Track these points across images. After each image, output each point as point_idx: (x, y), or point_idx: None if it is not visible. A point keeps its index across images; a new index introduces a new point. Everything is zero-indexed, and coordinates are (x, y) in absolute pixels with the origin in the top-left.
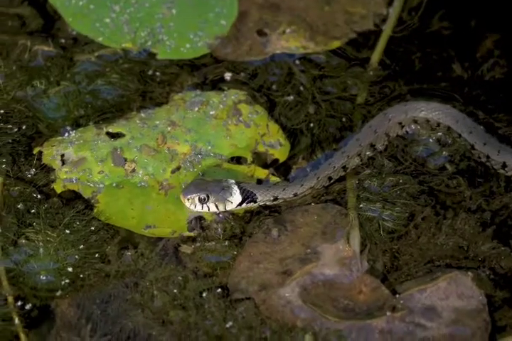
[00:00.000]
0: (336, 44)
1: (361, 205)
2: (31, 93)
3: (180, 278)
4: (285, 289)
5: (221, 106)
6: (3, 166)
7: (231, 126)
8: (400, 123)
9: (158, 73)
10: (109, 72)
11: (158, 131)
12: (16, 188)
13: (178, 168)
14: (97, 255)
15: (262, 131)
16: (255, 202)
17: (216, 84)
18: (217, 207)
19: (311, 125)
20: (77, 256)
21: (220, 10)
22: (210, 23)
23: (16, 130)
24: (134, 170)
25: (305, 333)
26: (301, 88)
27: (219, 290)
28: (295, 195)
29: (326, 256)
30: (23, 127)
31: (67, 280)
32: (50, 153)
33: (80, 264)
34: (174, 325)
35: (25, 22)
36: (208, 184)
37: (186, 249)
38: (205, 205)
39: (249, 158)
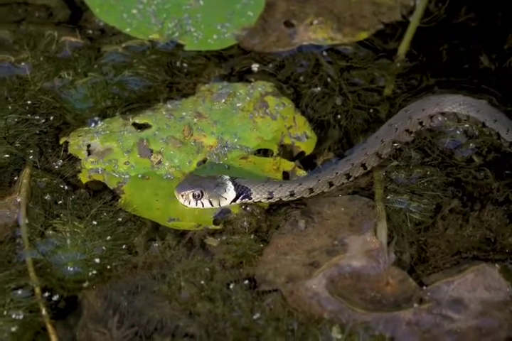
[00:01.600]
0: (363, 35)
1: (388, 197)
2: (58, 84)
3: (207, 269)
4: (312, 281)
5: (248, 98)
6: (31, 157)
7: (257, 119)
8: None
9: (185, 64)
10: (136, 63)
11: (184, 123)
12: (43, 179)
13: (204, 161)
14: (124, 246)
15: (289, 123)
16: (250, 198)
17: (243, 76)
18: (211, 203)
19: (338, 117)
20: (104, 247)
21: (248, 1)
22: (237, 14)
23: (43, 121)
24: (159, 162)
25: (332, 325)
26: (329, 79)
27: (246, 281)
28: (292, 193)
29: (353, 248)
30: (51, 118)
31: (94, 272)
32: (76, 143)
33: (107, 255)
34: (201, 316)
35: (52, 13)
36: (202, 180)
37: (212, 241)
38: (199, 201)
39: (276, 151)
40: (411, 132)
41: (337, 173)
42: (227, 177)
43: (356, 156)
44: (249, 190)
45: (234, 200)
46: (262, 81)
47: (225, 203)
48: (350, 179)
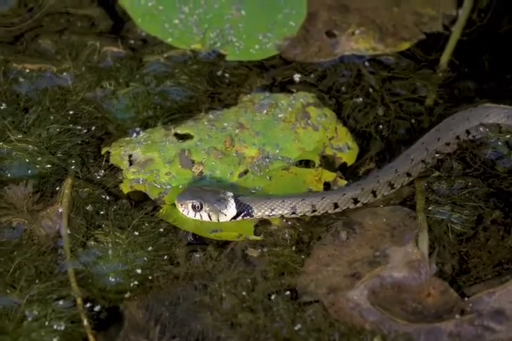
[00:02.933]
0: (405, 45)
1: (430, 208)
2: (100, 94)
3: (249, 280)
4: (354, 292)
5: (290, 108)
6: (73, 167)
7: (299, 129)
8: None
9: (227, 74)
10: (178, 73)
11: (226, 134)
12: (85, 190)
13: (246, 172)
14: (165, 257)
15: (331, 134)
16: (252, 215)
17: (285, 86)
18: (210, 217)
19: (380, 127)
20: (145, 258)
21: (289, 11)
22: (279, 24)
23: (85, 131)
24: (201, 173)
25: (373, 336)
26: (370, 90)
27: (288, 292)
28: (293, 211)
29: (395, 259)
30: (93, 128)
31: (135, 282)
32: (117, 153)
33: (148, 266)
34: (243, 327)
35: (94, 23)
36: (204, 192)
37: (253, 252)
38: (197, 213)
39: (317, 162)
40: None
41: (344, 194)
42: (231, 194)
43: (367, 182)
44: (251, 207)
45: (234, 218)
46: (303, 91)
47: (224, 219)
48: (357, 204)
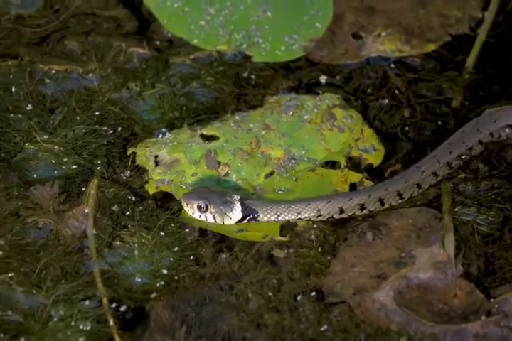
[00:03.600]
0: (431, 47)
1: (456, 209)
2: (126, 95)
3: (275, 281)
4: (380, 293)
5: (315, 110)
6: (98, 168)
7: (325, 131)
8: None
9: (253, 76)
10: (203, 75)
11: (252, 135)
12: (111, 190)
13: (272, 173)
14: (191, 257)
15: (356, 135)
16: (257, 220)
17: (311, 88)
18: (215, 218)
19: (406, 129)
20: (171, 258)
21: (315, 12)
22: (305, 26)
23: (111, 132)
24: (227, 174)
25: (400, 337)
26: (396, 91)
27: (314, 293)
28: (299, 216)
29: (421, 260)
30: (118, 129)
31: (161, 283)
32: (143, 154)
33: (174, 266)
34: (269, 327)
35: (120, 24)
36: (210, 194)
37: (279, 253)
38: (203, 214)
39: (343, 163)
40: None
41: (351, 199)
42: (237, 197)
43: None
44: (257, 212)
45: (239, 221)
46: (329, 93)
47: (229, 222)
48: (364, 210)
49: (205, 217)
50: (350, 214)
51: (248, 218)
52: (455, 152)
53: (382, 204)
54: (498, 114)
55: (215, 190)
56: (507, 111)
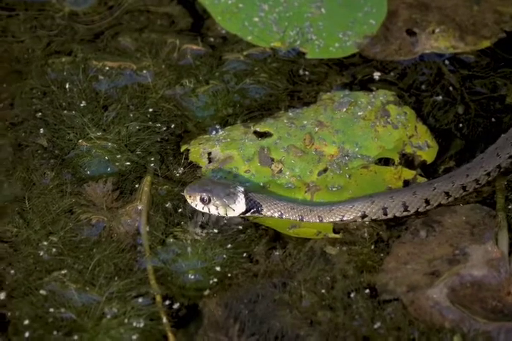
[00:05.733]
0: (485, 44)
1: (510, 206)
2: (180, 92)
3: (328, 278)
4: (433, 290)
5: (369, 106)
6: (152, 165)
7: (379, 128)
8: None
9: (306, 72)
10: (257, 71)
11: (305, 132)
12: (164, 187)
13: (325, 170)
14: (244, 254)
15: (410, 132)
16: (261, 213)
17: (365, 84)
18: (218, 210)
19: (460, 125)
20: (225, 256)
21: (369, 9)
22: (359, 22)
23: (164, 129)
24: (280, 171)
25: (453, 334)
26: (450, 88)
27: (367, 290)
28: (301, 218)
29: (474, 257)
30: (172, 126)
31: (215, 280)
32: (197, 150)
33: (227, 263)
34: (322, 325)
35: (174, 21)
36: (214, 186)
37: (331, 250)
38: (205, 206)
39: (397, 160)
40: None
41: (352, 206)
42: (241, 189)
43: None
44: (261, 206)
45: (243, 213)
46: (383, 89)
47: (232, 214)
48: (365, 219)
49: (208, 209)
50: (350, 218)
51: (252, 211)
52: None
53: (385, 213)
54: None
55: (218, 182)
56: None
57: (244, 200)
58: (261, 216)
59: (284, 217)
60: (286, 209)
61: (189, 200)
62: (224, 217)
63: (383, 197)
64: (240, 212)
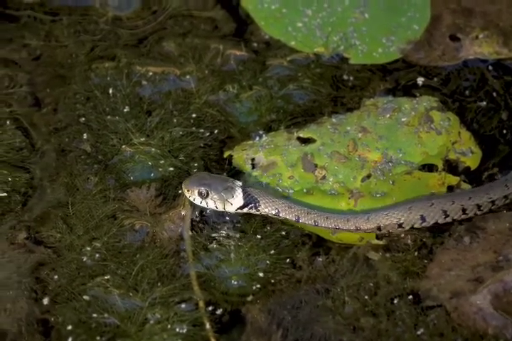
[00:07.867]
0: None
1: None
2: (223, 97)
3: (371, 284)
4: (477, 296)
5: (413, 112)
6: (195, 170)
7: (422, 134)
8: None
9: (350, 78)
10: (301, 77)
11: (349, 138)
12: None
13: (369, 176)
14: (287, 260)
15: (454, 138)
16: (258, 210)
17: (408, 90)
18: (216, 205)
19: (504, 131)
20: (268, 261)
21: (413, 14)
22: (402, 28)
23: (207, 134)
24: (324, 177)
25: None
26: (494, 94)
27: (410, 296)
28: (297, 219)
29: None
30: (215, 131)
31: (258, 286)
32: (240, 156)
33: (270, 269)
34: (365, 331)
35: (217, 26)
36: (212, 180)
37: (374, 255)
38: (204, 200)
39: (440, 166)
40: None
41: (348, 220)
42: (239, 183)
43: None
44: (258, 202)
45: (240, 208)
46: (427, 95)
47: (230, 209)
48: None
49: (206, 203)
50: (343, 226)
51: (249, 206)
52: None
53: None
54: None
55: (216, 176)
56: None
57: (242, 195)
58: (257, 213)
59: (280, 215)
60: (283, 207)
61: (187, 194)
62: (222, 211)
63: (378, 213)
64: (238, 206)
